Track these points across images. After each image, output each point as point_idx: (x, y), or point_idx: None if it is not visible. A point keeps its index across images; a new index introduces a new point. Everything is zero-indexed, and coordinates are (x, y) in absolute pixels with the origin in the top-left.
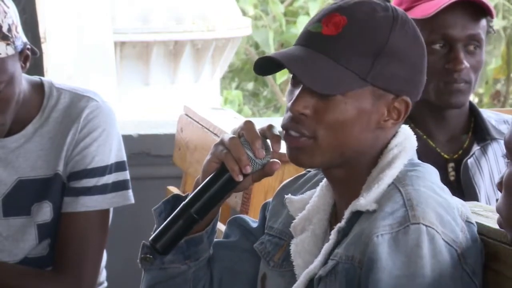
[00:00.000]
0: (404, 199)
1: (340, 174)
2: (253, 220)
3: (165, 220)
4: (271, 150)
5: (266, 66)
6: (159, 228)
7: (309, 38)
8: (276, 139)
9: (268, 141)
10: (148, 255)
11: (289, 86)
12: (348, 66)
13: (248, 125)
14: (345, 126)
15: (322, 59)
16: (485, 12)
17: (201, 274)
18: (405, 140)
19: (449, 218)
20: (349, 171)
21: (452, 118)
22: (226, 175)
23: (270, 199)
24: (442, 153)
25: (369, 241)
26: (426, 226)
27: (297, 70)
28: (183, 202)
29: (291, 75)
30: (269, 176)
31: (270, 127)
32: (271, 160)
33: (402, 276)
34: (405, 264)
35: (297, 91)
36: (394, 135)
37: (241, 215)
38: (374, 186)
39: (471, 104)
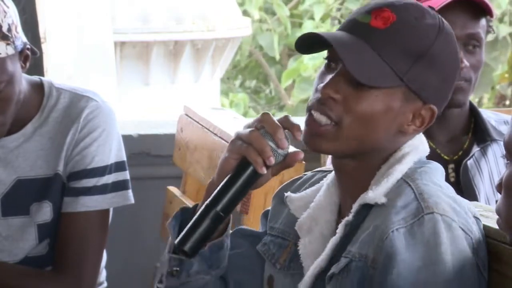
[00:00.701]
0: (415, 192)
1: (350, 165)
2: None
3: (179, 232)
4: (289, 141)
5: (307, 44)
6: (184, 231)
7: (355, 27)
8: (297, 127)
9: (286, 132)
10: (175, 268)
11: (321, 69)
12: (389, 61)
13: (267, 116)
14: (371, 119)
15: (366, 49)
16: (484, 11)
17: (218, 284)
18: (419, 143)
19: (461, 210)
20: (360, 163)
21: (453, 119)
22: (249, 169)
23: (269, 208)
24: (442, 154)
25: (384, 237)
26: (440, 214)
27: (344, 55)
28: (206, 202)
29: (325, 62)
30: (289, 167)
31: (287, 117)
32: (293, 150)
33: (422, 266)
34: (425, 254)
35: (329, 76)
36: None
37: (242, 227)
38: (383, 181)
39: (471, 104)
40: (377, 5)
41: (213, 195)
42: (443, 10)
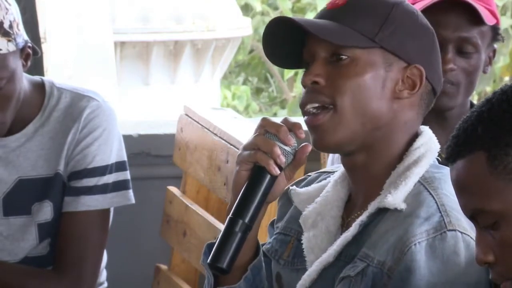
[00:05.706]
0: (437, 204)
1: (360, 160)
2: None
3: None
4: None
5: (275, 45)
6: (214, 249)
7: (319, 15)
8: (298, 126)
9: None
10: None
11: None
12: (357, 28)
13: (266, 119)
14: (361, 89)
15: (331, 23)
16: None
17: None
18: (430, 140)
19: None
20: (371, 157)
21: (453, 120)
22: (263, 174)
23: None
24: (443, 155)
25: (405, 249)
26: (461, 233)
27: (311, 26)
28: (229, 216)
29: (302, 75)
30: (301, 165)
31: (286, 118)
32: (300, 146)
33: (438, 283)
34: (442, 272)
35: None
36: (419, 134)
37: None
38: (401, 184)
39: (472, 104)
40: None
41: (234, 208)
42: (437, 11)
